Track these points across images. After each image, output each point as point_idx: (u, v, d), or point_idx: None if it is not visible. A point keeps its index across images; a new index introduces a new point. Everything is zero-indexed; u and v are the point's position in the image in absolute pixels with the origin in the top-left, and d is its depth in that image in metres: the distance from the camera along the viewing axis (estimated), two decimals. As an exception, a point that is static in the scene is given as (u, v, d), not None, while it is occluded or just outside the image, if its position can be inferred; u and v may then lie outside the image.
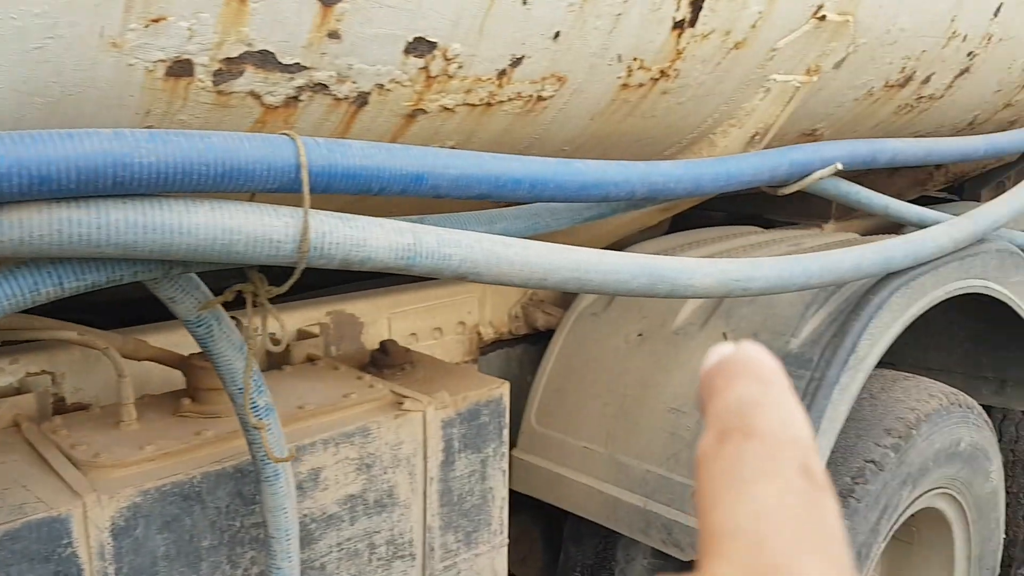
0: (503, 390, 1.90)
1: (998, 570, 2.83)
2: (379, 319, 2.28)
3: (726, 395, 0.28)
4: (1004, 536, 2.81)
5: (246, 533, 1.52)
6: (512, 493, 1.99)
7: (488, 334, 2.58)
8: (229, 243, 1.04)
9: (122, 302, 2.35)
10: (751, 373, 0.28)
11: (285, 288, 1.15)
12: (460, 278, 1.29)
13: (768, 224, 3.15)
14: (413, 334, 2.36)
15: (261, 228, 1.06)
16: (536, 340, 2.70)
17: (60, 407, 1.78)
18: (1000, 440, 2.92)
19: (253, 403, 1.34)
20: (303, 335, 2.07)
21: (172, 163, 0.98)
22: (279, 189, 1.08)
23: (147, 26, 1.07)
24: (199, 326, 1.24)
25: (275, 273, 1.23)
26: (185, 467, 1.46)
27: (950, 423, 2.31)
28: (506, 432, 1.92)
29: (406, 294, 2.35)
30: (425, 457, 1.77)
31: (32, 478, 1.42)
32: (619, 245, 2.62)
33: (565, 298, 2.70)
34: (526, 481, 2.37)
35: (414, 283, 2.40)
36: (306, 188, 1.07)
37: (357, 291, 2.30)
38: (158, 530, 1.42)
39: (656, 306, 2.37)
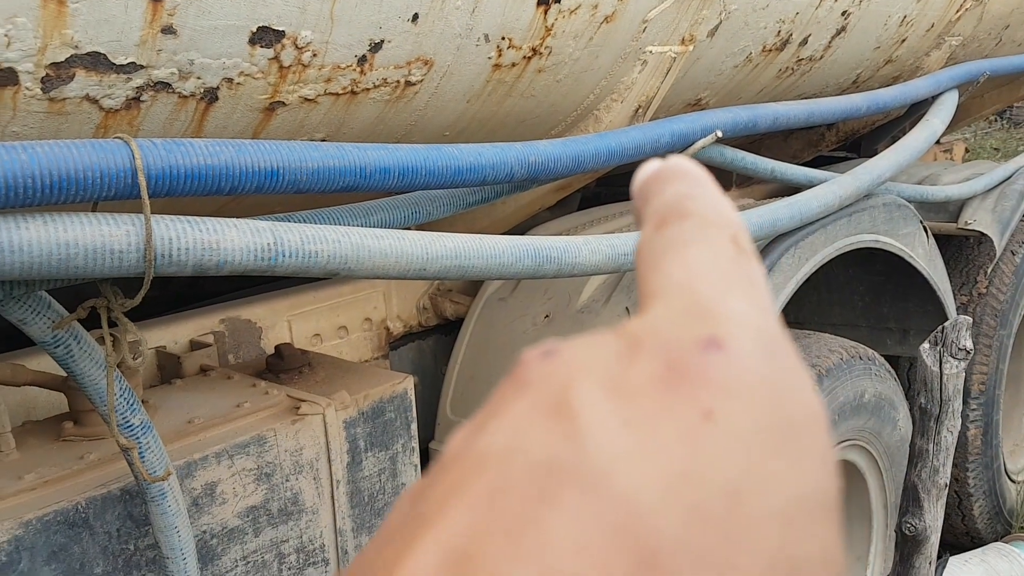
0: (407, 384, 1.87)
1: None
2: (278, 323, 2.22)
3: (662, 194, 0.30)
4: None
5: (141, 555, 1.46)
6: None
7: (397, 328, 2.55)
8: (66, 258, 0.99)
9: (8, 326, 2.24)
10: (682, 175, 0.30)
11: (138, 300, 1.10)
12: (330, 275, 1.25)
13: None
14: (317, 335, 2.31)
15: (100, 239, 1.01)
16: (447, 330, 2.67)
17: (-63, 444, 1.69)
18: (907, 389, 3.01)
19: (127, 422, 1.29)
20: (196, 345, 2.01)
21: (-9, 177, 0.92)
22: (116, 196, 1.02)
23: (-43, 34, 1.00)
24: (57, 347, 1.18)
25: (156, 282, 1.18)
26: (68, 494, 1.40)
27: (852, 376, 2.36)
28: (414, 426, 1.89)
29: (306, 294, 2.29)
30: (329, 460, 1.73)
31: (-100, 520, 1.34)
32: (524, 227, 2.61)
33: (473, 286, 2.68)
34: (445, 472, 2.35)
35: (315, 283, 2.34)
36: (144, 192, 1.02)
37: (254, 295, 2.24)
38: (44, 561, 1.36)
39: (560, 287, 2.37)
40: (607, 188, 3.28)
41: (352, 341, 2.42)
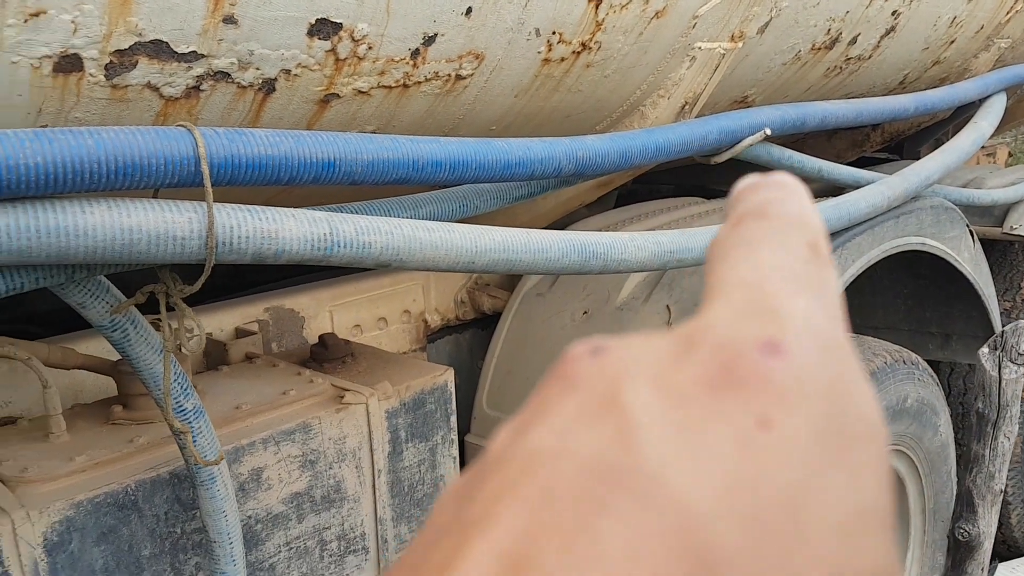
0: (447, 376, 1.88)
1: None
2: (320, 312, 2.24)
3: (749, 198, 0.29)
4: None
5: (188, 539, 1.49)
6: (466, 478, 1.97)
7: (435, 321, 2.56)
8: (130, 243, 1.01)
9: (64, 309, 2.29)
10: (777, 185, 0.30)
11: (198, 286, 1.12)
12: (382, 266, 1.26)
13: (712, 194, 3.16)
14: (357, 326, 2.32)
15: (163, 225, 1.02)
16: (484, 324, 2.68)
17: (-11, 423, 1.73)
18: (948, 394, 2.96)
19: (180, 407, 1.31)
20: (241, 333, 2.03)
21: (61, 163, 0.94)
22: (179, 184, 1.04)
23: (26, 21, 1.02)
24: (114, 331, 1.20)
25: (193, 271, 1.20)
26: (118, 476, 1.42)
27: (896, 380, 2.33)
28: (454, 418, 1.90)
29: (348, 285, 2.31)
30: (371, 449, 1.74)
31: (-44, 498, 1.37)
32: (563, 223, 2.60)
33: (511, 281, 2.68)
34: (481, 466, 2.35)
35: (355, 274, 2.36)
36: (207, 180, 1.03)
37: (297, 285, 2.26)
38: (94, 542, 1.38)
39: (600, 283, 2.36)
40: (644, 185, 3.26)
41: (391, 333, 2.44)
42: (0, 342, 1.60)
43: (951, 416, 2.72)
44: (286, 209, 1.15)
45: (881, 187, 2.14)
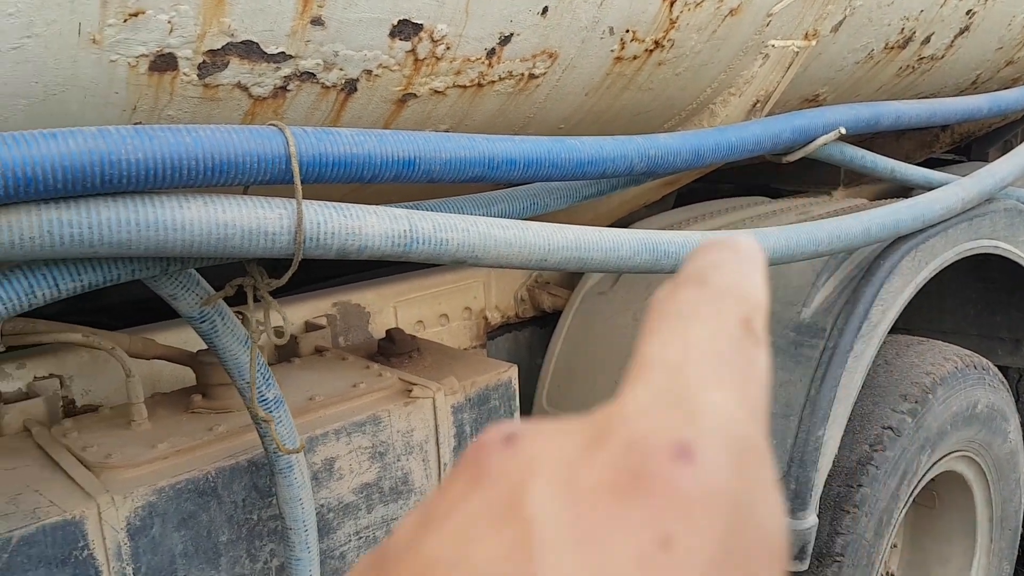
0: (511, 373, 1.89)
1: (1020, 530, 2.81)
2: (385, 308, 2.27)
3: (698, 259, 0.29)
4: (1026, 496, 2.79)
5: (264, 526, 1.52)
6: (526, 475, 1.99)
7: (495, 318, 2.58)
8: (224, 237, 1.04)
9: (134, 302, 2.36)
10: (729, 248, 0.29)
11: (284, 280, 1.15)
12: (458, 263, 1.28)
13: (776, 193, 3.12)
14: (420, 322, 2.35)
15: (256, 221, 1.05)
16: (543, 322, 2.69)
17: (70, 410, 1.79)
18: (1017, 400, 2.89)
19: (262, 396, 1.34)
20: (310, 327, 2.07)
21: (161, 159, 0.97)
22: (270, 181, 1.07)
23: (126, 20, 1.06)
24: (202, 322, 1.24)
25: (271, 265, 1.23)
26: (199, 463, 1.46)
27: (966, 385, 2.29)
28: (517, 415, 1.92)
29: (411, 282, 2.34)
30: (437, 443, 1.76)
31: (44, 482, 1.42)
32: (624, 222, 2.60)
33: (571, 279, 2.69)
34: (541, 463, 2.36)
35: (418, 271, 2.39)
36: (297, 178, 1.06)
37: (362, 281, 2.30)
38: (175, 528, 1.43)
39: (662, 282, 2.35)
40: (704, 184, 3.24)
41: (452, 329, 2.46)
42: (85, 332, 1.66)
43: (1020, 423, 2.65)
44: (368, 206, 1.17)
45: (955, 188, 2.10)
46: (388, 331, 1.98)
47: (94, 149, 0.93)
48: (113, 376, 1.85)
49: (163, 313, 1.92)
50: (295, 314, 2.06)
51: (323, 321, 2.11)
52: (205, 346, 1.72)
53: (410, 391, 1.74)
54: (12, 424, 1.64)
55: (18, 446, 1.57)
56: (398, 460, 1.71)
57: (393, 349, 1.93)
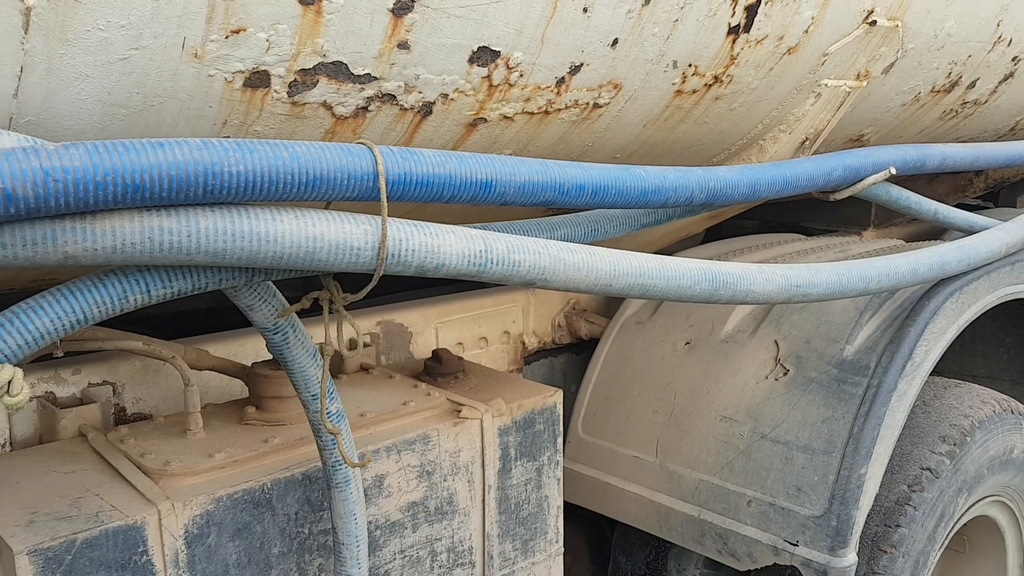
0: (557, 398, 1.91)
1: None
2: (427, 329, 2.30)
3: None
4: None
5: (314, 540, 1.53)
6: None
7: (532, 343, 2.59)
8: (312, 251, 1.06)
9: (169, 313, 2.38)
10: None
11: (362, 295, 1.17)
12: (527, 284, 1.30)
13: (804, 231, 3.14)
14: (460, 343, 2.37)
15: (342, 236, 1.08)
16: (578, 349, 2.71)
17: (121, 417, 1.81)
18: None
19: (327, 409, 1.36)
20: (352, 346, 2.09)
21: (260, 172, 1.00)
22: (356, 197, 1.09)
23: (227, 37, 1.09)
24: (275, 333, 1.26)
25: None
26: (256, 474, 1.48)
27: (1003, 429, 2.28)
28: (560, 440, 1.93)
29: (453, 303, 2.37)
30: (483, 465, 1.77)
31: (104, 487, 1.44)
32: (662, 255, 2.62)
33: (608, 307, 2.71)
34: (573, 490, 2.37)
35: (460, 293, 2.41)
36: (383, 196, 1.08)
37: (406, 300, 2.33)
38: (230, 537, 1.44)
39: (703, 314, 2.37)
40: (728, 221, 3.25)
41: (491, 352, 2.48)
42: (145, 341, 1.69)
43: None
44: (446, 226, 1.20)
45: (999, 233, 2.12)
46: (435, 351, 2.00)
47: (199, 159, 0.96)
48: (163, 385, 1.87)
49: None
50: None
51: (367, 339, 2.13)
52: (255, 359, 1.75)
53: (459, 411, 1.76)
54: (68, 428, 1.67)
55: (75, 451, 1.59)
56: (444, 480, 1.72)
57: (439, 369, 1.95)
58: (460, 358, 2.01)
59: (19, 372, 0.94)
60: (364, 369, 2.00)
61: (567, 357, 2.72)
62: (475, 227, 1.29)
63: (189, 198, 0.98)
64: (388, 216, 1.13)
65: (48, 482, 1.45)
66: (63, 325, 1.00)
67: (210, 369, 1.79)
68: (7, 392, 0.93)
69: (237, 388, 1.91)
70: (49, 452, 1.59)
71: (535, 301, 2.56)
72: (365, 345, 2.09)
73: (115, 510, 1.35)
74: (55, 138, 1.07)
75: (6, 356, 0.96)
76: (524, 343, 2.59)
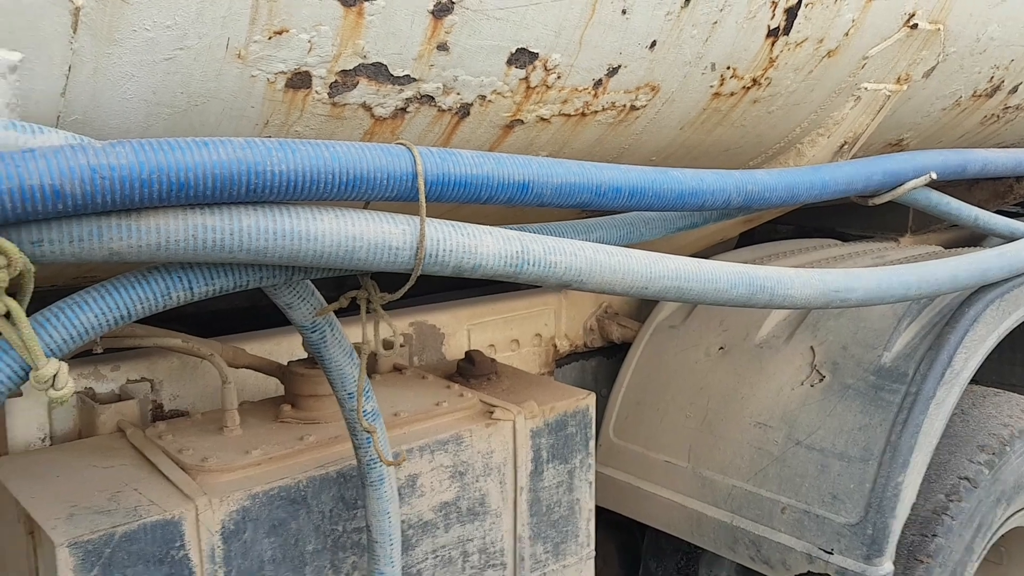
0: (589, 401, 1.90)
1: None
2: (459, 330, 2.30)
3: None
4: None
5: (348, 538, 1.54)
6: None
7: (563, 346, 2.59)
8: (352, 250, 1.07)
9: (196, 313, 2.41)
10: None
11: (400, 294, 1.17)
12: (563, 286, 1.30)
13: (840, 237, 3.10)
14: (492, 345, 2.38)
15: (381, 235, 1.08)
16: (610, 353, 2.70)
17: (158, 413, 1.83)
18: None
19: (363, 408, 1.37)
20: (387, 344, 2.10)
21: (302, 171, 1.01)
22: (395, 197, 1.10)
23: (270, 38, 1.10)
24: (313, 332, 1.27)
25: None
26: (291, 471, 1.49)
27: (1045, 439, 2.24)
28: (592, 443, 1.92)
29: (485, 305, 2.37)
30: (515, 466, 1.77)
31: (142, 481, 1.46)
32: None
33: (640, 311, 2.69)
34: (604, 494, 2.36)
35: (493, 295, 2.42)
36: (422, 196, 1.09)
37: (438, 302, 2.33)
38: (265, 534, 1.45)
39: (737, 319, 2.35)
40: (762, 225, 3.22)
41: (522, 354, 2.48)
42: (184, 338, 1.71)
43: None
44: (483, 227, 1.20)
45: (1043, 239, 2.08)
46: (468, 352, 2.00)
47: (243, 159, 0.97)
48: (200, 382, 1.89)
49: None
50: (372, 331, 2.09)
51: (400, 340, 2.14)
52: (290, 357, 1.76)
53: (491, 412, 1.76)
54: (107, 424, 1.69)
55: (114, 446, 1.61)
56: (476, 480, 1.72)
57: (472, 370, 1.95)
58: (493, 360, 2.01)
59: (64, 366, 0.96)
60: (397, 369, 2.01)
61: (598, 361, 2.71)
62: (511, 228, 1.29)
63: (232, 197, 0.99)
64: (426, 216, 1.14)
65: (87, 476, 1.47)
66: (107, 320, 1.02)
67: (246, 367, 1.80)
68: (52, 385, 0.95)
69: (272, 386, 1.92)
70: (88, 447, 1.61)
71: (567, 304, 2.56)
72: (400, 345, 2.10)
73: (153, 505, 1.37)
74: (101, 136, 1.09)
75: (52, 351, 0.98)
76: (556, 346, 2.58)
